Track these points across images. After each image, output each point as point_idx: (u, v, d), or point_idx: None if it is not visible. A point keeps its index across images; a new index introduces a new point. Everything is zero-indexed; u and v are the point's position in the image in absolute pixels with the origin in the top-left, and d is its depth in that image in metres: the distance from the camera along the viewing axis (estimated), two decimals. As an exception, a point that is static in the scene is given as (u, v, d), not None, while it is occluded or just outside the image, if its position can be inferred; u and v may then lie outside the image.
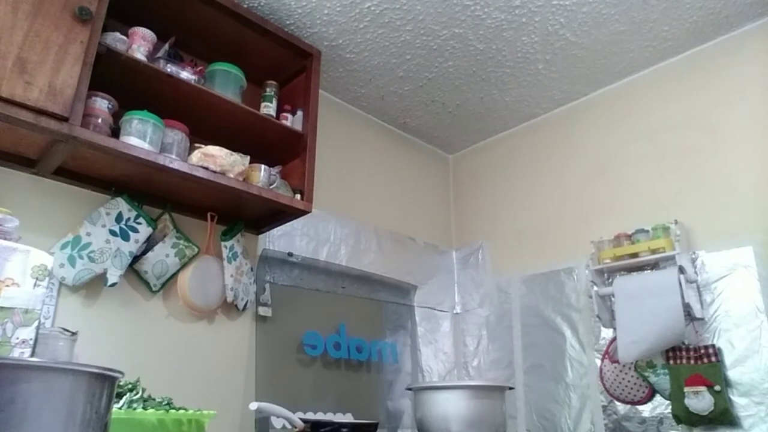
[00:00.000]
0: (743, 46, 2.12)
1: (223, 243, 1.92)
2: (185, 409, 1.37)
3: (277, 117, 2.01)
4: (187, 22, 1.91)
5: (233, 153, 1.76)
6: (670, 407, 1.94)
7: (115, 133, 1.59)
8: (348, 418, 2.16)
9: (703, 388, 1.84)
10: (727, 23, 2.12)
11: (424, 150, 3.04)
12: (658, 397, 2.02)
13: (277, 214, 2.00)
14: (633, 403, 2.07)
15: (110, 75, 1.59)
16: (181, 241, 1.82)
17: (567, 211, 2.51)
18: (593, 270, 2.22)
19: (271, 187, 1.88)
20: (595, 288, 2.20)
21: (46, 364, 0.83)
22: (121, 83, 1.65)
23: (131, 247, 1.68)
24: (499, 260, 2.73)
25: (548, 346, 2.39)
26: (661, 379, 1.97)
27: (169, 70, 1.71)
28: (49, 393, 0.78)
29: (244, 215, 2.01)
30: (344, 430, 1.67)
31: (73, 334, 1.41)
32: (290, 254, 2.20)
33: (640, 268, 2.13)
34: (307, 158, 1.99)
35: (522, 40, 2.20)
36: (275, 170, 1.99)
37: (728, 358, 1.88)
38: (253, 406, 1.55)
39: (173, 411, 1.31)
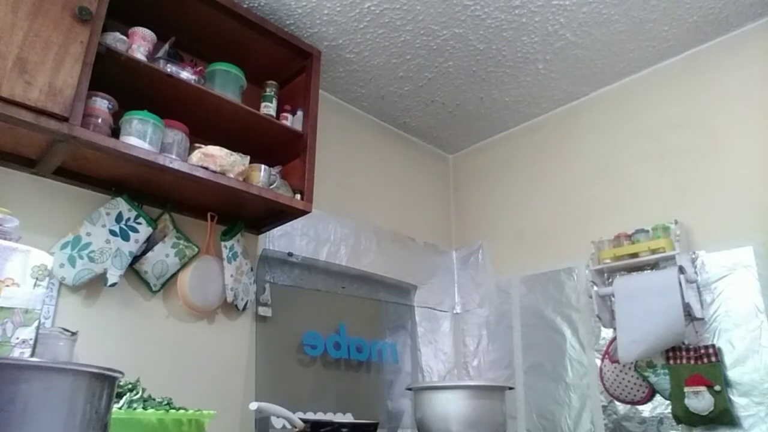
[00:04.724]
0: (743, 46, 2.12)
1: (223, 243, 1.92)
2: (185, 409, 1.37)
3: (277, 117, 2.01)
4: (187, 22, 1.91)
5: (233, 153, 1.76)
6: (670, 407, 1.94)
7: (115, 133, 1.59)
8: (348, 418, 2.15)
9: (703, 388, 1.84)
10: (727, 23, 2.12)
11: (424, 150, 3.04)
12: (658, 397, 2.02)
13: (277, 214, 2.00)
14: (633, 403, 2.07)
15: (110, 75, 1.59)
16: (181, 241, 1.82)
17: (567, 211, 2.51)
18: (593, 270, 2.22)
19: (271, 187, 1.88)
20: (595, 288, 2.20)
21: (46, 364, 0.83)
22: (121, 83, 1.65)
23: (131, 247, 1.68)
24: (499, 260, 2.73)
25: (548, 346, 2.39)
26: (661, 379, 1.97)
27: (169, 70, 1.71)
28: (49, 393, 0.78)
29: (244, 215, 2.01)
30: (344, 430, 1.66)
31: (73, 334, 1.41)
32: (290, 254, 2.20)
33: (640, 268, 2.13)
34: (307, 158, 1.99)
35: (522, 40, 2.20)
36: (275, 170, 1.99)
37: (728, 358, 1.87)
38: (253, 406, 1.55)
39: (173, 411, 1.31)
